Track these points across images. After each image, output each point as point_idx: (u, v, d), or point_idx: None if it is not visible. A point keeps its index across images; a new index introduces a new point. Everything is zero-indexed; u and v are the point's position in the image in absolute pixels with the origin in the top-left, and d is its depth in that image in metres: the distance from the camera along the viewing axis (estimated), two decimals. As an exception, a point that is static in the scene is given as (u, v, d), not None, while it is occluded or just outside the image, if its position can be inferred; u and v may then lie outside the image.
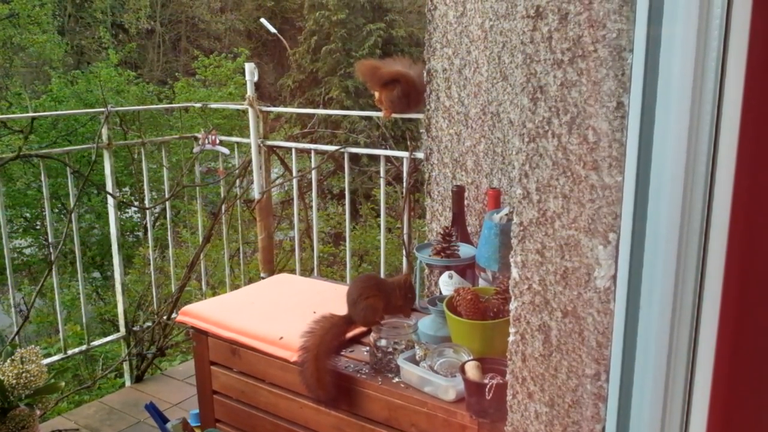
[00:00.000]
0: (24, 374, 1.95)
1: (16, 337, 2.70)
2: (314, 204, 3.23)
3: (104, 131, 3.04)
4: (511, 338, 1.35)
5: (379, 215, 3.18)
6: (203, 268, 3.60)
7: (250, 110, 3.15)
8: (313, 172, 3.11)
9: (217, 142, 3.26)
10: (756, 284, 1.03)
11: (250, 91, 3.11)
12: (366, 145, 8.58)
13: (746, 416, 1.10)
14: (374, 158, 3.73)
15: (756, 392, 1.09)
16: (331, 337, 1.90)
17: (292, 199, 3.34)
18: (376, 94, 2.53)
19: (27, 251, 8.96)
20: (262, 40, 16.71)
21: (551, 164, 1.21)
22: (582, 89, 1.15)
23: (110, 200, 3.17)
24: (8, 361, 1.99)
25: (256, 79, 3.06)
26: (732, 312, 1.04)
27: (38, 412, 2.10)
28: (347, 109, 11.80)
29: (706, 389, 1.08)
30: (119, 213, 3.24)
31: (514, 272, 1.31)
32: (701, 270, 1.05)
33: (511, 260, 1.32)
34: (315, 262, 3.30)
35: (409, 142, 2.76)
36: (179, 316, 2.28)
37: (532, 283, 1.29)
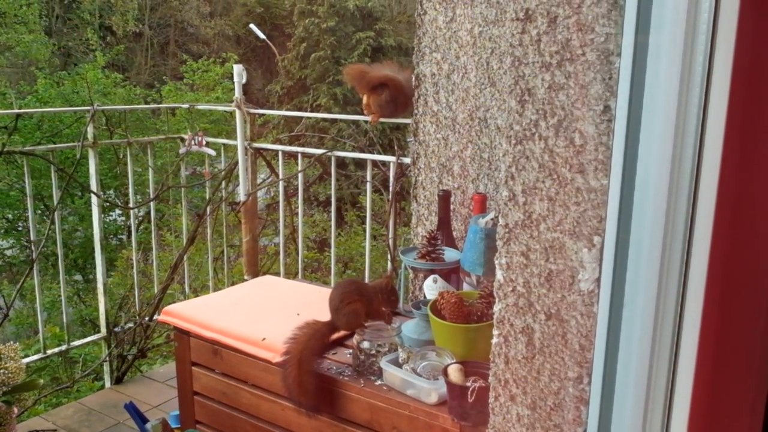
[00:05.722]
0: (2, 371, 1.92)
1: (-5, 336, 2.67)
2: (300, 205, 3.21)
3: (90, 130, 3.02)
4: (494, 340, 1.35)
5: (364, 222, 3.17)
6: (186, 270, 3.57)
7: (238, 112, 3.14)
8: (300, 176, 3.10)
9: (204, 143, 3.25)
10: (737, 288, 1.04)
11: (237, 92, 3.10)
12: (353, 150, 8.52)
13: (725, 422, 1.11)
14: (361, 166, 3.72)
15: (736, 398, 1.10)
16: (314, 343, 1.89)
17: (278, 203, 3.32)
18: (365, 99, 2.53)
19: (8, 252, 8.86)
20: (251, 46, 16.67)
21: (537, 167, 1.21)
22: (570, 92, 1.15)
23: (94, 200, 3.14)
24: (-14, 357, 1.96)
25: (244, 80, 3.06)
26: (714, 317, 1.05)
27: (15, 410, 2.07)
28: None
29: (687, 393, 1.09)
30: (103, 216, 3.19)
31: (499, 274, 1.32)
32: (684, 274, 1.06)
33: (496, 262, 1.32)
34: (300, 266, 3.29)
35: (396, 149, 2.77)
36: (161, 316, 2.27)
37: (516, 286, 1.29)
